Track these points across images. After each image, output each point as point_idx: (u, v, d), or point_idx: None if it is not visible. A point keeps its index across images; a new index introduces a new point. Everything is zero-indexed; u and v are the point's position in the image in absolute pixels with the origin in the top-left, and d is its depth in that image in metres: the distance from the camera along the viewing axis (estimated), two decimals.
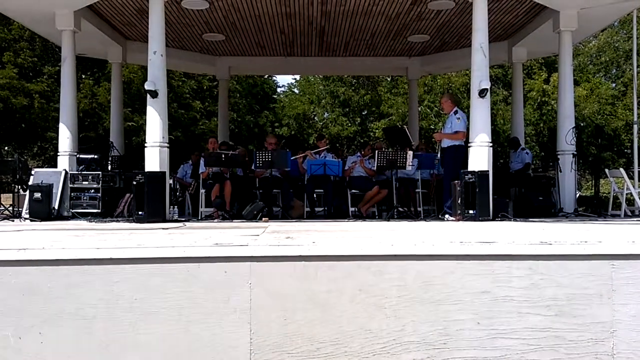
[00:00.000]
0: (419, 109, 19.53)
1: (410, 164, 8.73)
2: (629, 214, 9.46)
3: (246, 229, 5.73)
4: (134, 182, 7.72)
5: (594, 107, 21.85)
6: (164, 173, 7.98)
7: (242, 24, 10.91)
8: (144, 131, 8.70)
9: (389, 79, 25.02)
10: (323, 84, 26.78)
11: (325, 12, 10.24)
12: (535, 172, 10.88)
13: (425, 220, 8.05)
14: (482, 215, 7.51)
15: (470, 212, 7.53)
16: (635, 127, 12.91)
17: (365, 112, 26.83)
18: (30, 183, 8.65)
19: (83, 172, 9.05)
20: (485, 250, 3.87)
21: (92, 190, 8.97)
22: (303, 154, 9.81)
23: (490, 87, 8.35)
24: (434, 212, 9.29)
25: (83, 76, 20.61)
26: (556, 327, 3.79)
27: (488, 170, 7.87)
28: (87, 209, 8.87)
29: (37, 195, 8.23)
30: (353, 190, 9.28)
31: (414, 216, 8.79)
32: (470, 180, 7.60)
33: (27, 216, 8.32)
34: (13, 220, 8.31)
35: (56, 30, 9.40)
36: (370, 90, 25.76)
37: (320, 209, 9.45)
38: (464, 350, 3.76)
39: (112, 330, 3.72)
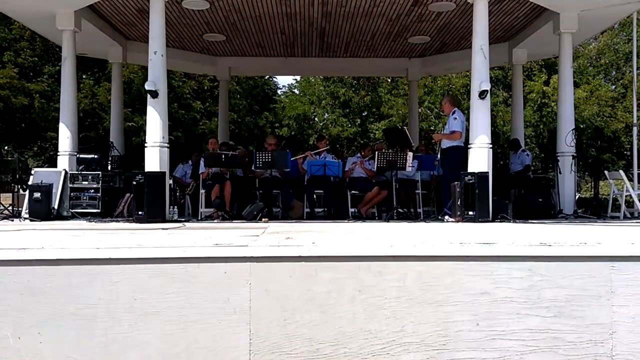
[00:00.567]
0: (419, 110, 19.56)
1: (410, 165, 8.74)
2: (629, 215, 9.46)
3: (246, 230, 5.73)
4: (134, 182, 7.73)
5: (593, 109, 21.86)
6: (164, 173, 7.98)
7: (243, 24, 10.92)
8: (144, 131, 8.70)
9: (389, 80, 25.04)
10: (323, 85, 26.79)
11: (325, 13, 10.24)
12: (535, 174, 10.87)
13: (425, 222, 8.06)
14: (481, 217, 7.51)
15: (470, 213, 7.54)
16: (635, 129, 12.91)
17: (366, 113, 26.84)
18: (30, 183, 8.66)
19: (83, 172, 9.05)
20: (485, 251, 3.88)
21: (92, 190, 8.98)
22: (303, 155, 9.82)
23: (491, 89, 8.36)
24: (434, 213, 9.29)
25: (83, 76, 20.62)
26: (555, 329, 3.79)
27: (488, 172, 7.88)
28: (86, 209, 8.87)
29: (37, 195, 8.23)
30: (353, 191, 9.28)
31: (413, 217, 8.79)
32: (470, 181, 7.61)
33: (27, 216, 8.33)
34: (13, 220, 8.31)
35: (57, 30, 9.40)
36: (371, 91, 25.77)
37: (320, 209, 9.46)
38: (463, 352, 3.76)
39: (111, 331, 3.72)
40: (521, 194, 9.96)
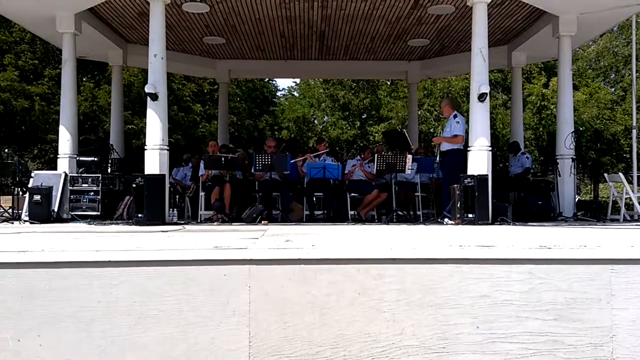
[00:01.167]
0: (419, 112, 19.56)
1: (410, 167, 8.74)
2: (628, 218, 9.46)
3: (245, 232, 5.73)
4: (134, 185, 7.73)
5: (593, 112, 21.88)
6: (163, 176, 7.98)
7: (243, 27, 10.93)
8: (144, 134, 8.70)
9: (388, 83, 25.06)
10: (323, 88, 26.80)
11: (325, 16, 10.25)
12: (535, 177, 10.87)
13: (425, 224, 8.05)
14: (481, 219, 7.51)
15: (470, 216, 7.54)
16: (634, 131, 12.93)
17: (365, 115, 26.85)
18: (30, 185, 8.65)
19: (83, 175, 9.05)
20: (485, 254, 3.88)
21: (92, 193, 8.97)
22: (303, 157, 9.82)
23: (490, 92, 8.36)
24: (433, 216, 9.29)
25: (84, 79, 20.64)
26: (555, 332, 3.79)
27: (487, 175, 7.88)
28: (86, 211, 8.87)
29: (37, 197, 8.22)
30: (352, 194, 9.27)
31: (413, 220, 8.79)
32: (470, 184, 7.61)
33: (27, 218, 8.32)
34: (13, 223, 8.30)
35: (57, 33, 9.40)
36: (370, 93, 25.78)
37: (320, 212, 9.45)
38: (463, 355, 3.76)
39: (110, 333, 3.72)
40: (521, 196, 9.96)
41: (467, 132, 8.36)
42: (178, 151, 16.60)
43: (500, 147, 19.70)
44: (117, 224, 7.96)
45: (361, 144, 22.20)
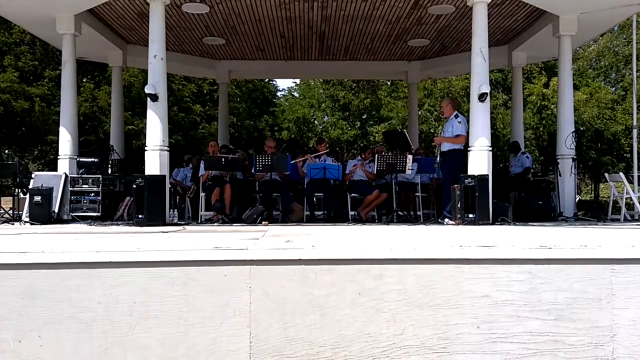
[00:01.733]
0: (419, 112, 19.56)
1: (410, 168, 8.74)
2: (629, 218, 9.45)
3: (246, 233, 5.73)
4: (134, 186, 7.73)
5: (593, 112, 21.87)
6: (164, 176, 7.98)
7: (243, 27, 10.93)
8: (144, 135, 8.71)
9: (388, 83, 25.05)
10: (323, 88, 26.80)
11: (325, 16, 10.26)
12: (535, 176, 10.87)
13: (425, 224, 8.05)
14: (481, 219, 7.51)
15: (470, 216, 7.54)
16: (635, 131, 12.92)
17: (365, 115, 26.85)
18: (30, 186, 8.66)
19: (83, 176, 9.05)
20: (485, 254, 3.88)
21: (92, 194, 8.98)
22: (303, 158, 9.82)
23: (490, 91, 8.36)
24: (434, 216, 9.28)
25: (84, 80, 20.65)
26: (556, 332, 3.79)
27: (488, 175, 7.88)
28: (87, 212, 8.87)
29: (37, 198, 8.22)
30: (353, 194, 9.28)
31: (413, 220, 8.78)
32: (470, 184, 7.60)
33: (27, 219, 8.32)
34: (13, 224, 8.31)
35: (57, 34, 9.40)
36: (370, 94, 25.78)
37: (320, 212, 9.45)
38: (464, 355, 3.76)
39: (111, 334, 3.72)
40: (521, 196, 9.95)
41: (467, 132, 8.36)
42: (178, 152, 16.61)
43: (501, 147, 19.70)
44: (118, 224, 7.97)
45: (361, 145, 22.20)
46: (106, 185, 9.14)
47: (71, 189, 8.93)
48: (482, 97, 8.10)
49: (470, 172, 7.97)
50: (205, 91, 23.21)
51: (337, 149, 23.00)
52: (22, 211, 8.76)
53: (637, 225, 7.96)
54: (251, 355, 3.73)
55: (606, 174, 10.18)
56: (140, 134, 18.17)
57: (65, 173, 8.99)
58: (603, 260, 3.87)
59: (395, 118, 23.35)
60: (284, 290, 3.79)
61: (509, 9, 9.75)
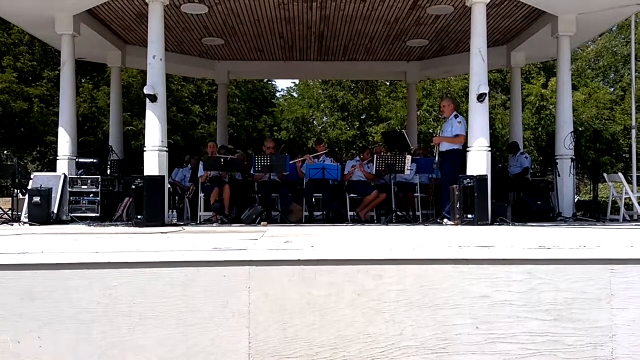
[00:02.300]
0: (418, 113, 19.57)
1: (409, 168, 8.74)
2: (628, 218, 9.45)
3: (245, 233, 5.73)
4: (133, 186, 7.73)
5: (592, 112, 21.91)
6: (162, 177, 7.98)
7: (241, 28, 10.93)
8: (143, 135, 8.70)
9: (387, 83, 25.07)
10: (322, 88, 26.81)
11: (324, 16, 10.26)
12: (534, 177, 10.88)
13: (424, 225, 8.05)
14: (480, 220, 7.51)
15: (469, 216, 7.54)
16: (634, 131, 12.93)
17: (364, 116, 26.86)
18: (29, 187, 8.65)
19: (82, 176, 9.05)
20: (484, 254, 3.88)
21: (91, 194, 8.97)
22: (302, 158, 9.81)
23: (489, 92, 8.36)
24: (433, 217, 9.28)
25: (82, 80, 20.63)
26: (555, 332, 3.79)
27: (487, 175, 7.88)
28: (86, 213, 8.87)
29: (36, 199, 8.22)
30: (352, 195, 9.28)
31: (412, 220, 8.79)
32: (469, 184, 7.61)
33: (26, 220, 8.32)
34: (12, 224, 8.30)
35: (55, 34, 9.40)
36: (369, 94, 25.79)
37: (319, 213, 9.44)
38: (463, 355, 3.76)
39: (110, 335, 3.72)
40: (520, 196, 9.95)
41: (466, 133, 8.36)
42: (177, 152, 16.60)
43: (500, 147, 19.72)
44: (117, 225, 7.96)
45: (360, 145, 22.20)
46: (105, 185, 9.14)
47: (70, 189, 8.92)
48: (480, 97, 8.10)
49: (469, 173, 7.97)
50: (204, 91, 23.21)
51: (336, 149, 23.04)
52: (21, 212, 8.75)
53: (636, 225, 7.97)
54: (250, 356, 3.73)
55: (605, 174, 10.19)
56: (139, 134, 18.16)
57: (64, 174, 8.99)
58: (602, 261, 3.87)
59: (394, 118, 23.37)
60: (283, 290, 3.79)
61: (508, 9, 9.76)
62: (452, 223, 7.78)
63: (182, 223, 8.46)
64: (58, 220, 8.59)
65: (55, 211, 8.57)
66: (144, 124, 8.50)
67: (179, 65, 13.21)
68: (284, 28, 10.92)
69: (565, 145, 9.14)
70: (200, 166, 9.31)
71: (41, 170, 18.33)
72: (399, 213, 8.47)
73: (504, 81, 22.03)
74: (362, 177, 9.42)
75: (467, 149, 8.18)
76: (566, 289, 3.83)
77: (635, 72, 14.08)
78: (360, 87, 26.31)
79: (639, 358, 3.79)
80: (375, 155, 8.88)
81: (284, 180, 9.34)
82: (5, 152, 21.60)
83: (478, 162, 8.03)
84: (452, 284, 3.83)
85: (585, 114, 21.59)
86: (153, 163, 8.08)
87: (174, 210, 8.81)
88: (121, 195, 9.36)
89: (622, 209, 9.37)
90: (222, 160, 8.98)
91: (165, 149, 8.23)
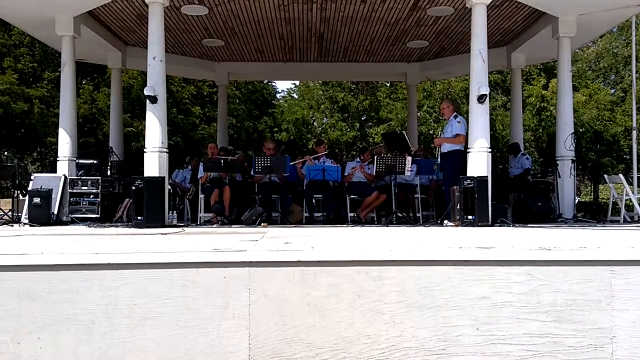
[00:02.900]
0: (418, 114, 19.58)
1: (409, 169, 8.74)
2: (628, 219, 9.45)
3: (245, 234, 5.73)
4: (133, 187, 7.73)
5: (592, 113, 21.91)
6: (163, 178, 7.98)
7: (242, 29, 10.94)
8: (144, 136, 8.71)
9: (388, 85, 25.07)
10: (322, 90, 26.81)
11: (324, 18, 10.26)
12: (534, 178, 10.88)
13: (424, 226, 8.05)
14: (481, 221, 7.51)
15: (469, 217, 7.54)
16: (634, 132, 12.94)
17: (364, 117, 26.87)
18: (29, 188, 8.66)
19: (82, 177, 9.05)
20: (484, 256, 3.87)
21: (92, 196, 8.97)
22: (302, 160, 9.82)
23: (489, 93, 8.36)
24: (433, 218, 9.29)
25: (83, 81, 20.66)
26: (555, 333, 3.79)
27: (487, 176, 7.88)
28: (86, 214, 8.87)
29: (37, 200, 8.22)
30: (352, 196, 9.28)
31: (412, 222, 8.79)
32: (469, 185, 7.60)
33: (27, 221, 8.32)
34: (12, 225, 8.30)
35: (56, 36, 9.41)
36: (369, 95, 25.80)
37: (319, 214, 9.45)
38: (463, 356, 3.76)
39: (110, 336, 3.72)
40: (520, 198, 9.96)
41: (466, 134, 8.36)
42: (177, 153, 16.61)
43: (500, 148, 19.73)
44: (117, 226, 7.96)
45: (361, 146, 22.19)
46: (105, 187, 9.15)
47: (70, 190, 8.93)
48: (481, 98, 8.11)
49: (469, 174, 7.97)
50: (204, 93, 23.22)
51: (337, 150, 23.03)
52: (21, 213, 8.76)
53: (636, 226, 7.96)
54: (250, 357, 3.72)
55: (605, 176, 10.19)
56: (140, 135, 18.17)
57: (64, 175, 8.99)
58: (602, 262, 3.87)
59: (395, 119, 23.37)
60: (283, 291, 3.79)
61: (508, 11, 9.76)
62: (453, 224, 7.78)
63: (182, 224, 8.46)
64: (58, 222, 8.59)
65: (55, 212, 8.58)
66: (145, 125, 8.50)
67: (179, 67, 13.22)
68: (284, 29, 10.93)
69: (565, 147, 9.14)
70: (201, 167, 9.31)
71: (41, 172, 18.31)
72: (399, 214, 8.46)
73: (505, 82, 22.04)
74: (362, 179, 9.42)
75: (468, 150, 8.18)
76: (566, 290, 3.83)
77: (636, 73, 14.08)
78: (360, 89, 26.32)
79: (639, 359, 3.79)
80: (375, 157, 8.88)
81: (284, 182, 9.34)
82: (5, 153, 21.62)
83: (478, 163, 8.03)
84: (453, 286, 3.82)
85: (585, 115, 21.59)
86: (153, 164, 8.08)
87: (174, 212, 8.81)
88: (121, 197, 9.37)
89: (623, 211, 9.36)
90: (222, 161, 8.99)
91: (165, 150, 8.23)
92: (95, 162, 9.44)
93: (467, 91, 14.31)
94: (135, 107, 19.62)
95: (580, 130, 19.86)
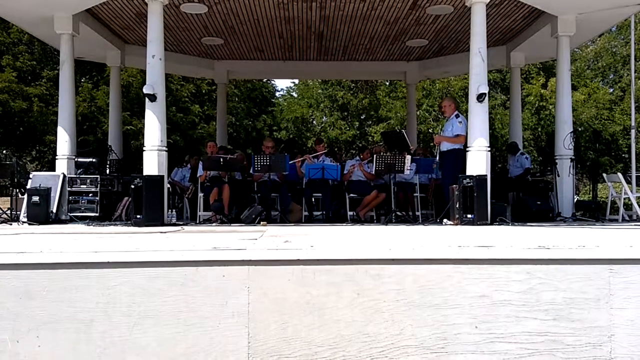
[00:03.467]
0: (418, 113, 19.59)
1: (409, 168, 8.74)
2: (627, 218, 9.46)
3: (244, 233, 5.72)
4: (132, 186, 7.72)
5: (591, 112, 21.93)
6: (162, 177, 7.97)
7: (241, 28, 10.93)
8: (143, 135, 8.70)
9: (387, 83, 25.08)
10: (321, 88, 26.82)
11: (323, 16, 10.26)
12: (533, 177, 10.88)
13: (423, 225, 8.06)
14: (480, 220, 7.51)
15: (468, 216, 7.54)
16: (633, 131, 12.94)
17: (364, 116, 26.87)
18: (28, 186, 8.64)
19: (81, 176, 9.04)
20: (483, 254, 3.88)
21: (91, 194, 8.96)
22: (301, 158, 9.81)
23: (489, 92, 8.36)
24: (432, 217, 9.29)
25: (82, 80, 20.63)
26: (554, 332, 3.80)
27: (486, 175, 7.88)
28: (85, 212, 8.86)
29: (35, 198, 8.21)
30: (351, 194, 9.28)
31: (412, 220, 8.79)
32: (469, 184, 7.61)
33: (25, 220, 8.31)
34: (11, 224, 8.30)
35: (55, 34, 9.39)
36: (369, 94, 25.80)
37: (319, 213, 9.45)
38: (462, 354, 3.76)
39: (109, 334, 3.72)
40: (520, 196, 9.96)
41: (466, 133, 8.36)
42: (176, 152, 16.60)
43: (499, 147, 19.74)
44: (116, 225, 7.96)
45: (360, 145, 22.19)
46: (104, 185, 9.14)
47: (69, 189, 8.91)
48: (480, 97, 8.10)
49: (468, 173, 7.97)
50: (203, 91, 23.21)
51: (336, 149, 23.02)
52: (20, 211, 8.75)
53: (635, 225, 7.97)
54: (249, 355, 3.73)
55: (604, 175, 10.20)
56: (139, 134, 18.16)
57: (63, 173, 8.98)
58: (601, 261, 3.87)
59: (394, 118, 23.38)
60: (282, 290, 3.79)
61: (508, 9, 9.76)
62: (452, 223, 7.78)
63: (181, 223, 8.45)
64: (57, 220, 8.58)
65: (54, 211, 8.57)
66: (144, 123, 8.49)
67: (178, 65, 13.20)
68: (284, 28, 10.92)
69: (564, 146, 9.15)
70: (200, 166, 9.31)
71: (40, 170, 18.35)
72: (398, 213, 8.47)
73: (504, 81, 22.05)
74: (361, 177, 9.42)
75: (467, 149, 8.18)
76: (565, 288, 3.83)
77: (635, 72, 14.08)
78: (360, 87, 26.32)
79: (637, 358, 3.79)
80: (375, 155, 8.87)
81: (284, 180, 9.34)
82: (4, 151, 21.58)
83: (478, 162, 8.03)
84: (452, 284, 3.83)
85: (584, 114, 21.61)
86: (152, 163, 8.07)
87: (174, 210, 8.81)
88: (120, 195, 9.36)
89: (622, 209, 9.37)
90: (221, 160, 8.98)
91: (164, 148, 8.22)
92: (94, 160, 9.41)
93: (467, 90, 14.33)
94: (134, 106, 19.60)
95: (579, 129, 19.90)
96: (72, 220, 8.72)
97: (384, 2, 9.54)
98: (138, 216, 7.56)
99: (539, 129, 22.19)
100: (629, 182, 9.98)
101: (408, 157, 8.69)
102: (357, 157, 10.01)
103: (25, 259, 3.77)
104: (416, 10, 9.93)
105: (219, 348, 3.73)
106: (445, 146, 8.44)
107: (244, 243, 4.21)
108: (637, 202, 9.40)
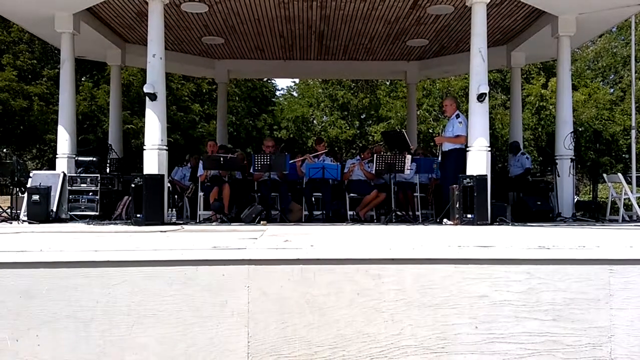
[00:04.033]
0: (418, 112, 19.59)
1: (409, 168, 8.74)
2: (627, 219, 9.45)
3: (244, 232, 5.72)
4: (133, 185, 7.72)
5: (591, 112, 21.93)
6: (162, 176, 7.97)
7: (242, 27, 10.93)
8: (143, 134, 8.70)
9: (387, 83, 25.08)
10: (322, 88, 26.82)
11: (324, 16, 10.25)
12: (534, 177, 10.88)
13: (424, 224, 8.06)
14: (480, 220, 7.51)
15: (469, 216, 7.54)
16: (633, 132, 12.94)
17: (364, 115, 26.88)
18: (28, 185, 8.64)
19: (81, 175, 9.03)
20: (483, 254, 3.88)
21: (91, 193, 8.96)
22: (302, 158, 9.81)
23: (489, 92, 8.35)
24: (432, 216, 9.29)
25: (82, 79, 20.64)
26: (554, 332, 3.79)
27: (486, 175, 7.88)
28: (85, 211, 8.86)
29: (36, 197, 8.21)
30: (351, 194, 9.28)
31: (412, 220, 8.79)
32: (469, 184, 7.61)
33: (25, 218, 8.31)
34: (11, 223, 8.29)
35: (55, 33, 9.39)
36: (369, 93, 25.80)
37: (319, 212, 9.45)
38: (462, 355, 3.76)
39: (109, 333, 3.72)
40: (520, 197, 9.96)
41: (467, 133, 8.36)
42: (177, 151, 16.60)
43: (499, 147, 19.74)
44: (116, 224, 7.95)
45: (360, 144, 22.19)
46: (104, 184, 9.13)
47: (69, 188, 8.91)
48: (480, 97, 8.10)
49: (469, 173, 7.97)
50: (204, 90, 23.22)
51: (336, 148, 23.04)
52: (20, 210, 8.75)
53: (635, 226, 7.97)
54: (249, 355, 3.73)
55: (604, 175, 10.19)
56: (139, 133, 18.16)
57: (63, 172, 8.98)
58: (601, 261, 3.87)
59: (394, 118, 23.38)
60: (282, 289, 3.79)
61: (508, 9, 9.76)
62: (452, 223, 7.78)
63: (181, 222, 8.45)
64: (57, 219, 8.58)
65: (54, 210, 8.57)
66: (144, 122, 8.49)
67: (179, 64, 13.19)
68: (284, 27, 10.92)
69: (565, 146, 9.15)
70: (200, 165, 9.30)
71: (40, 169, 18.33)
72: (398, 213, 8.47)
73: (504, 81, 22.05)
74: (361, 177, 9.42)
75: (467, 149, 8.18)
76: (565, 289, 3.83)
77: (635, 73, 14.07)
78: (360, 87, 26.32)
79: (637, 358, 3.79)
80: (375, 155, 8.87)
81: (284, 180, 9.33)
82: (4, 150, 21.57)
83: (478, 162, 8.02)
84: (452, 284, 3.83)
85: (585, 114, 21.61)
86: (153, 162, 8.07)
87: (174, 209, 8.80)
88: (120, 194, 9.36)
89: (622, 210, 9.37)
90: (221, 159, 8.97)
91: (165, 147, 8.22)
92: (94, 159, 9.41)
93: (467, 90, 14.31)
94: (134, 105, 19.61)
95: (580, 129, 19.90)
96: (72, 219, 8.72)
97: (384, 2, 9.54)
98: (138, 215, 7.56)
99: (539, 129, 22.20)
100: (629, 183, 9.98)
101: (408, 157, 8.69)
102: (358, 157, 10.01)
103: (25, 257, 3.77)
104: (417, 10, 9.93)
105: (219, 347, 3.73)
106: (447, 146, 8.45)
107: (244, 242, 4.21)
108: (637, 203, 9.39)
